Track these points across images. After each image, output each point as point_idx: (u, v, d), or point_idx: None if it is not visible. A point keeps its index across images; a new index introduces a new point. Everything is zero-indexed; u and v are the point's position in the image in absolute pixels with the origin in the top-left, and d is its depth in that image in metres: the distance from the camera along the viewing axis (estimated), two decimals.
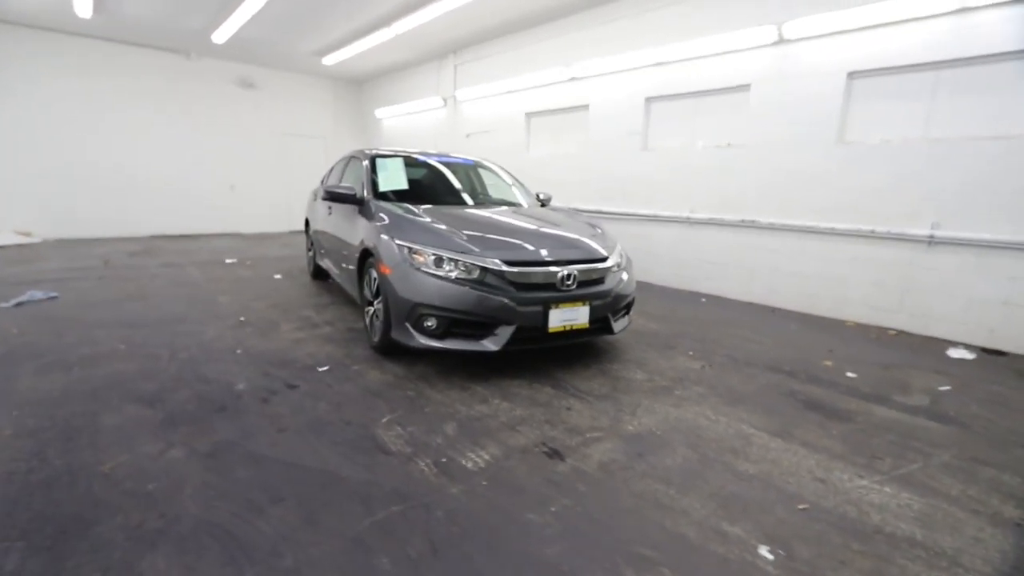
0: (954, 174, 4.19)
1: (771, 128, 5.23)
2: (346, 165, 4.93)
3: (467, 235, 3.14)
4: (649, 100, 6.29)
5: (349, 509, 1.84)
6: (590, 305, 3.15)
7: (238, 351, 3.41)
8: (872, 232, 4.62)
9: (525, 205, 4.42)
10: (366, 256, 3.57)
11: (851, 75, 4.68)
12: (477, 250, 3.01)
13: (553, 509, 1.90)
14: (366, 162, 4.33)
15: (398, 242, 3.13)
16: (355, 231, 3.85)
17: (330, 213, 4.65)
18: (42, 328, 3.74)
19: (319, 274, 5.78)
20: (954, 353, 3.96)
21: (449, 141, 9.31)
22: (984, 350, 4.02)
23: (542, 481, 2.08)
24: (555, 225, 3.63)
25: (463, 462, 2.19)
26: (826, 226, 4.91)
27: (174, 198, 9.49)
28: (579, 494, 2.00)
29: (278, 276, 6.04)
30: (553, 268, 3.06)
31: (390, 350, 3.36)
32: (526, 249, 3.11)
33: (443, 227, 3.23)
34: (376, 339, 3.39)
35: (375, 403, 2.72)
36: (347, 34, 8.05)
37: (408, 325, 3.00)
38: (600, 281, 3.27)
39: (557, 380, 3.13)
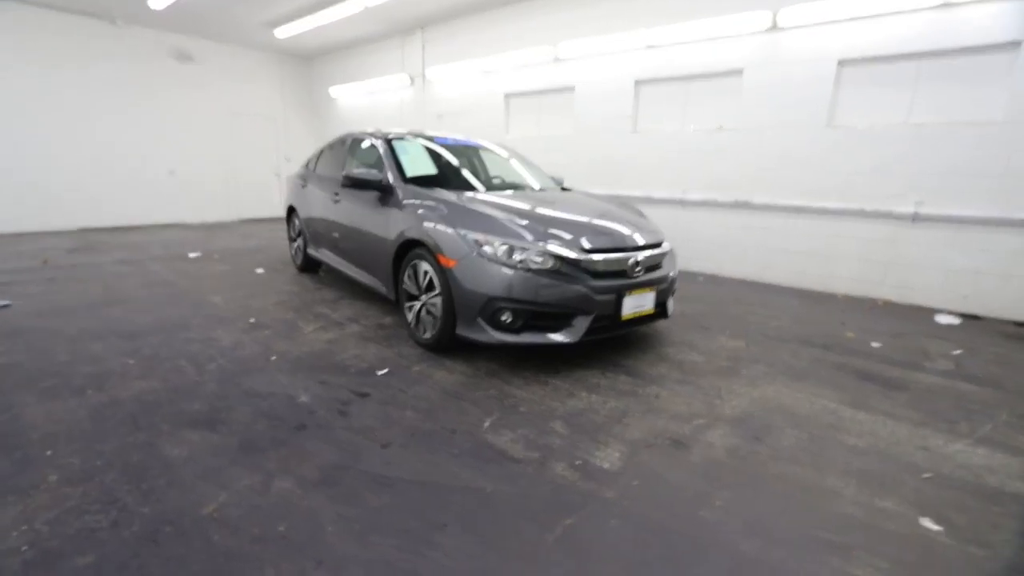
0: (935, 157, 4.54)
1: (763, 112, 5.40)
2: (347, 148, 4.49)
3: (527, 222, 2.94)
4: (639, 83, 6.27)
5: (521, 527, 1.67)
6: (655, 290, 3.10)
7: (272, 358, 3.02)
8: (861, 210, 4.93)
9: (551, 188, 4.25)
10: (408, 247, 3.28)
11: (841, 63, 4.91)
12: (548, 238, 2.83)
13: (719, 504, 1.84)
14: (380, 145, 3.96)
15: (462, 232, 2.87)
16: (384, 220, 3.52)
17: (337, 201, 4.23)
18: (15, 345, 3.11)
19: (308, 266, 5.29)
20: (942, 320, 4.34)
21: (418, 122, 8.83)
22: (962, 315, 4.44)
23: (687, 475, 2.00)
24: (605, 210, 3.51)
25: (598, 463, 2.06)
26: (817, 206, 5.18)
27: (104, 185, 8.29)
28: (731, 485, 1.95)
29: (260, 270, 5.46)
30: (625, 254, 2.96)
31: (446, 347, 3.12)
32: (597, 236, 2.97)
33: (502, 214, 3.01)
34: (429, 336, 3.13)
35: (463, 406, 2.51)
36: (309, 3, 7.32)
37: (481, 320, 2.79)
38: (659, 266, 3.22)
39: (627, 368, 3.06)
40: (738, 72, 5.52)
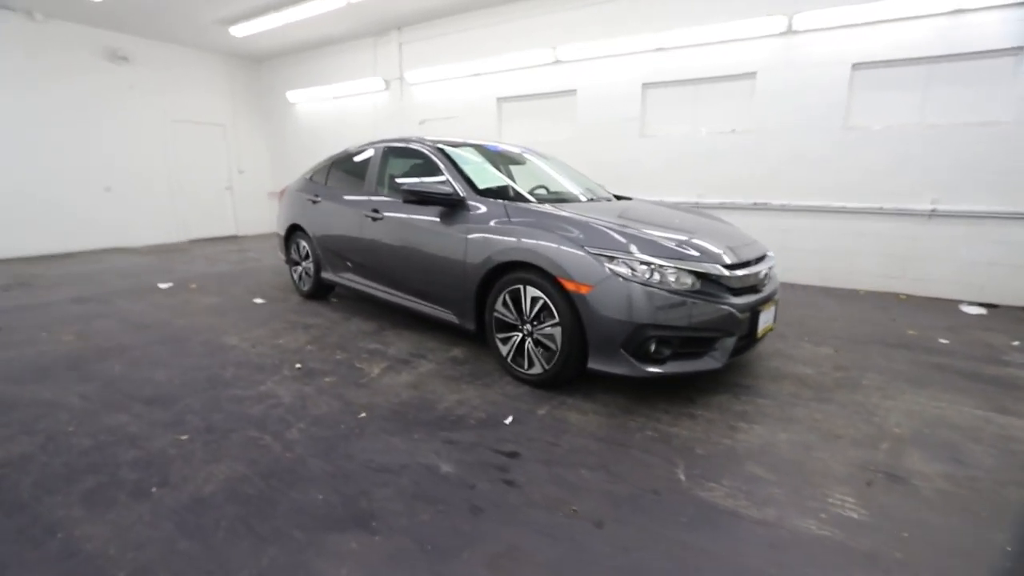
0: (947, 155, 4.74)
1: (778, 114, 5.44)
2: (378, 160, 3.91)
3: (652, 238, 2.60)
4: (646, 86, 6.14)
5: None
6: (776, 303, 2.89)
7: (361, 415, 2.46)
8: (880, 209, 5.07)
9: (606, 197, 3.93)
10: (500, 271, 2.83)
11: (855, 66, 5.03)
12: (684, 256, 2.52)
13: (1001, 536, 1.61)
14: (433, 154, 3.45)
15: (592, 251, 2.48)
16: (454, 240, 3.04)
17: (376, 219, 3.65)
18: (7, 429, 2.30)
19: (318, 292, 4.61)
20: (970, 310, 4.52)
21: (396, 129, 8.19)
22: (981, 304, 4.67)
23: (942, 516, 1.76)
24: (702, 220, 3.25)
25: (841, 511, 1.77)
26: (836, 205, 5.27)
27: (26, 207, 6.90)
28: (983, 518, 1.74)
29: (259, 300, 4.68)
30: (755, 268, 2.71)
31: (562, 384, 2.71)
32: (729, 251, 2.70)
33: (623, 229, 2.64)
34: (538, 371, 2.71)
35: (635, 455, 2.13)
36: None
37: (624, 351, 2.41)
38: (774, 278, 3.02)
39: (752, 388, 2.82)
40: (751, 75, 5.53)
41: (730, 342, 2.52)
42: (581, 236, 2.57)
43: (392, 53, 7.98)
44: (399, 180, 3.61)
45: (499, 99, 7.26)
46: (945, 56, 4.66)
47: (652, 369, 2.42)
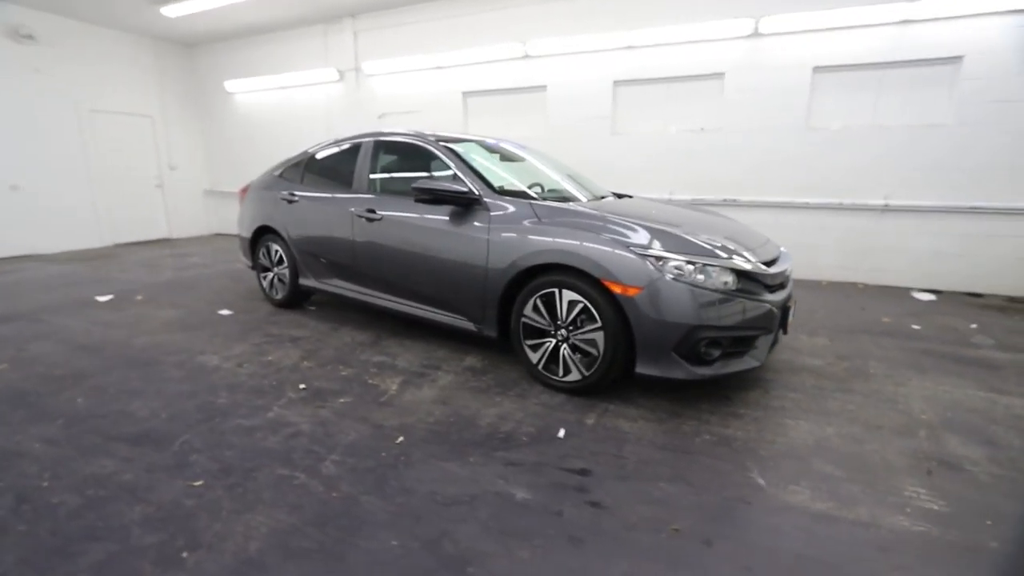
0: (898, 154, 5.12)
1: (745, 114, 5.63)
2: (369, 155, 3.57)
3: (693, 235, 2.54)
4: (617, 84, 6.14)
5: None
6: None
7: (399, 440, 2.20)
8: (840, 204, 5.39)
9: (609, 195, 3.85)
10: (530, 274, 2.65)
11: (816, 69, 5.30)
12: (727, 253, 2.48)
13: None
14: (438, 150, 3.20)
15: (639, 252, 2.37)
16: (470, 242, 2.83)
17: (373, 219, 3.33)
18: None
19: (293, 300, 4.19)
20: (921, 296, 4.92)
21: (351, 123, 7.69)
22: (930, 291, 5.10)
23: (1006, 496, 1.82)
24: (714, 218, 3.23)
25: (923, 504, 1.79)
26: (800, 201, 5.55)
27: None
28: None
29: (226, 312, 4.17)
30: (784, 265, 2.73)
31: (596, 390, 2.59)
32: (761, 248, 2.69)
33: (667, 229, 2.55)
34: (577, 377, 2.56)
35: (704, 462, 2.05)
36: None
37: (675, 354, 2.33)
38: None
39: (774, 381, 2.85)
40: (720, 75, 5.68)
41: (768, 339, 2.52)
42: (625, 236, 2.45)
43: (346, 42, 7.46)
44: (403, 178, 3.32)
45: (465, 93, 7.00)
46: (895, 62, 5.01)
47: (702, 371, 2.36)
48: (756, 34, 5.38)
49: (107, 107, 7.56)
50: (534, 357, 2.73)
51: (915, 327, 3.93)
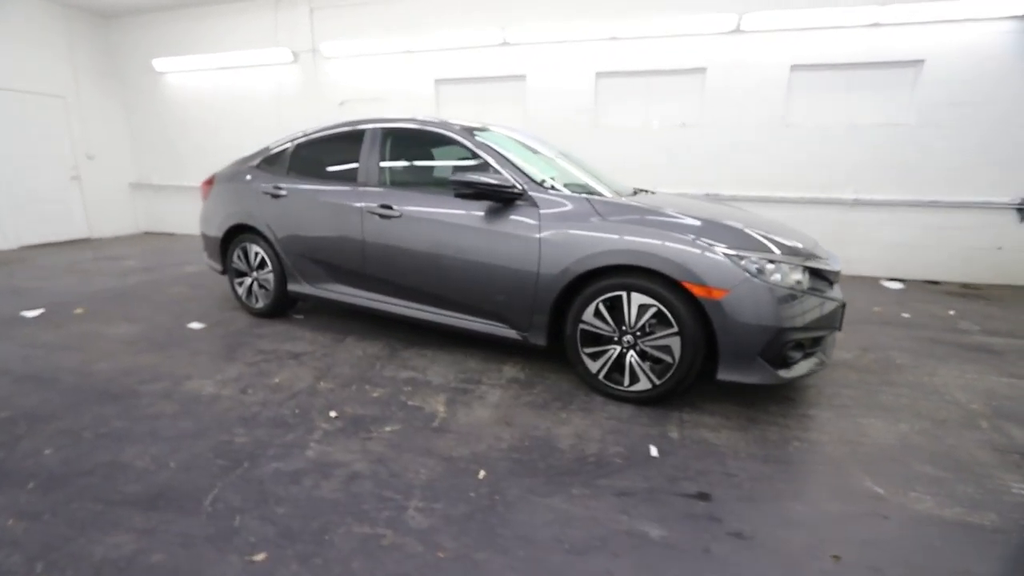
0: (866, 151, 5.39)
1: (726, 110, 5.69)
2: (376, 144, 3.13)
3: (768, 234, 2.41)
4: (600, 75, 6.00)
5: None
6: None
7: (480, 474, 1.88)
8: (815, 198, 5.60)
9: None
10: (589, 278, 2.40)
11: (793, 67, 5.44)
12: (803, 251, 2.37)
13: None
14: (464, 139, 2.86)
15: (726, 251, 2.19)
16: (522, 243, 2.53)
17: (390, 216, 2.92)
18: None
19: (279, 309, 3.66)
20: (890, 285, 5.23)
21: (307, 109, 6.99)
22: (896, 280, 5.43)
23: None
24: (748, 214, 3.14)
25: None
26: (779, 195, 5.71)
27: None
28: None
29: (197, 325, 3.56)
30: (836, 261, 2.68)
31: (665, 399, 2.41)
32: (811, 244, 2.61)
33: (744, 228, 2.39)
34: (646, 386, 2.37)
35: (814, 475, 1.93)
36: None
37: (761, 359, 2.19)
38: None
39: (821, 378, 2.82)
40: (702, 70, 5.69)
41: (834, 337, 2.46)
42: (704, 234, 2.27)
43: (301, 19, 6.75)
44: (425, 169, 2.94)
45: (437, 81, 6.57)
46: (864, 64, 5.24)
47: (784, 374, 2.24)
48: (738, 30, 5.43)
49: (8, 84, 6.32)
50: (594, 366, 2.49)
51: (905, 315, 4.12)
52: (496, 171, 2.69)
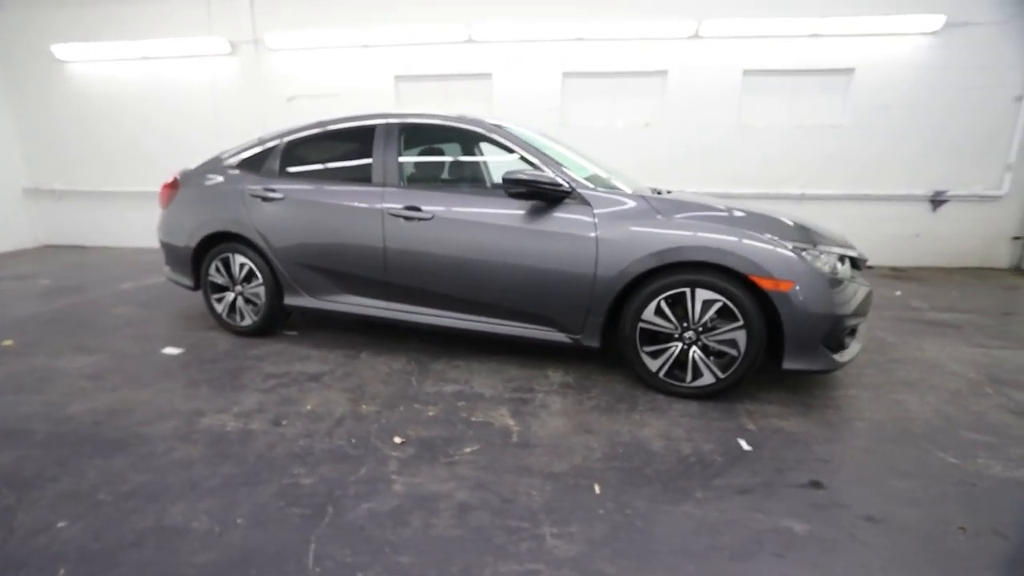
0: (810, 150, 5.90)
1: (685, 111, 5.95)
2: (388, 139, 2.86)
3: (814, 226, 2.51)
4: (567, 76, 6.02)
5: None
6: None
7: (597, 490, 1.76)
8: (766, 194, 6.03)
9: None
10: (647, 277, 2.36)
11: (745, 72, 5.81)
12: (844, 242, 2.51)
13: None
14: (500, 137, 2.71)
15: (790, 244, 2.24)
16: (575, 243, 2.44)
17: (419, 219, 2.68)
18: None
19: (267, 326, 3.24)
20: None
21: (249, 106, 6.33)
22: None
23: None
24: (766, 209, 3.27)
25: None
26: (736, 192, 6.06)
27: None
28: None
29: (173, 350, 3.04)
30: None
31: (726, 392, 2.43)
32: (838, 234, 2.77)
33: (781, 218, 2.46)
34: (709, 380, 2.37)
35: (889, 448, 2.02)
36: None
37: (822, 346, 2.27)
38: None
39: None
40: (663, 73, 5.90)
41: (864, 324, 2.62)
42: (767, 229, 2.32)
43: (240, 8, 6.08)
44: (454, 167, 2.73)
45: (397, 77, 6.23)
46: (807, 70, 5.73)
47: (840, 359, 2.35)
48: (697, 36, 5.69)
49: None
50: (654, 365, 2.45)
51: None
52: (540, 169, 2.57)
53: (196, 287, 3.38)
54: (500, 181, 2.55)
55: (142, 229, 6.92)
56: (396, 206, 2.74)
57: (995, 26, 5.34)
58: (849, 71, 5.66)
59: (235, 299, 3.24)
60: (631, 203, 2.46)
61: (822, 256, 2.30)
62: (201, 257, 3.29)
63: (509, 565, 1.41)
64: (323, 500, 1.67)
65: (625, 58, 5.85)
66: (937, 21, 5.28)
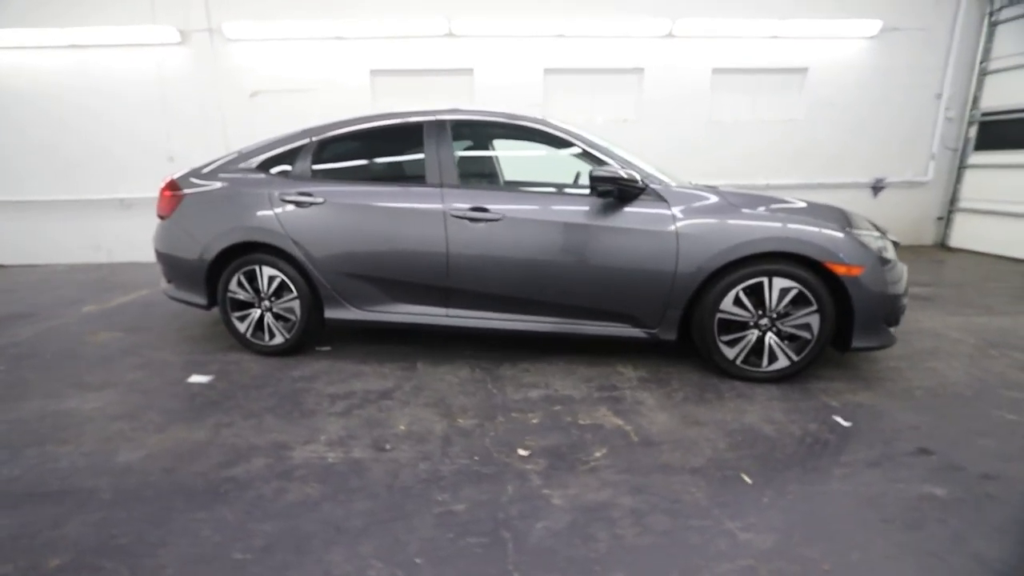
0: (771, 143, 6.36)
1: (660, 107, 6.18)
2: (440, 138, 2.72)
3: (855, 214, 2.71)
4: (548, 72, 6.02)
5: None
6: None
7: (747, 479, 1.80)
8: (739, 185, 6.42)
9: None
10: (725, 268, 2.43)
11: (715, 70, 6.13)
12: (871, 224, 2.72)
13: None
14: (564, 134, 2.70)
15: (852, 232, 2.40)
16: (653, 237, 2.47)
17: (481, 220, 2.57)
18: None
19: (302, 341, 2.96)
20: None
21: (205, 100, 5.71)
22: None
23: None
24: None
25: None
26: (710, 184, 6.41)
27: None
28: None
29: (201, 379, 2.69)
30: None
31: (798, 373, 2.57)
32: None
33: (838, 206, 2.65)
34: (785, 365, 2.50)
35: (961, 410, 2.25)
36: None
37: (885, 324, 2.47)
38: None
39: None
40: (640, 70, 6.08)
41: None
42: (832, 218, 2.47)
43: None
44: (520, 164, 2.64)
45: (373, 72, 5.91)
46: (767, 69, 6.16)
47: (894, 334, 2.56)
48: (671, 35, 5.91)
49: None
50: (731, 353, 2.54)
51: None
52: (617, 166, 2.56)
53: (210, 305, 3.01)
54: (568, 179, 2.50)
55: (74, 243, 6.07)
56: (460, 207, 2.60)
57: (919, 32, 6.04)
58: (803, 70, 6.15)
59: (262, 316, 2.92)
60: (711, 198, 2.52)
61: (882, 241, 2.49)
62: (218, 271, 2.92)
63: (722, 565, 1.40)
64: (491, 525, 1.56)
65: (605, 55, 5.96)
66: (875, 26, 5.88)
